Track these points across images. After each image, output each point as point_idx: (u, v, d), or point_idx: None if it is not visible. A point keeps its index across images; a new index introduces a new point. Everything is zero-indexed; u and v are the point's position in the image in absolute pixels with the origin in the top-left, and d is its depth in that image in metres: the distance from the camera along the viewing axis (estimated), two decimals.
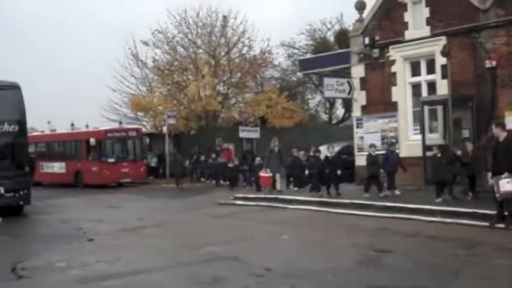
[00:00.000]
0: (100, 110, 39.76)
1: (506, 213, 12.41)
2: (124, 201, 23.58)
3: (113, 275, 9.60)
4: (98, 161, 30.93)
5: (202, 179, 30.40)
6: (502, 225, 12.29)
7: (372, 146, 18.64)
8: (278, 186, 21.17)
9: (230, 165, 26.45)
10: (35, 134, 34.30)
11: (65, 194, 27.59)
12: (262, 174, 21.16)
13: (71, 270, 10.19)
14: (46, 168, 33.60)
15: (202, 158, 30.28)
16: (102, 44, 64.10)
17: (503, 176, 12.16)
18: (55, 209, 21.24)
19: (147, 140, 36.97)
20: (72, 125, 36.26)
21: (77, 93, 56.62)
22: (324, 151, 20.15)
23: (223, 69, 36.50)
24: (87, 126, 35.14)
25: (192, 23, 36.49)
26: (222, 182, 27.67)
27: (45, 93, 54.61)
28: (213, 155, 29.27)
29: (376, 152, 18.49)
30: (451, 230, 12.55)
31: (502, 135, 12.67)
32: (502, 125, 13.05)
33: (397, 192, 17.59)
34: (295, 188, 21.28)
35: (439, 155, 16.26)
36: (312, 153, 20.14)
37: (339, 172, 18.66)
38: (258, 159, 23.10)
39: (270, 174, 20.90)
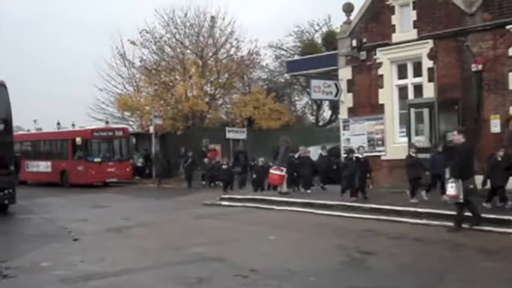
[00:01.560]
0: (86, 110, 39.62)
1: (455, 213, 12.65)
2: (110, 201, 23.47)
3: (97, 275, 9.56)
4: (84, 161, 30.78)
5: (204, 182, 28.15)
6: (481, 227, 12.45)
7: (412, 146, 17.01)
8: (285, 187, 20.08)
9: (224, 166, 25.17)
10: (20, 132, 34.09)
11: (51, 194, 27.40)
12: (274, 172, 19.68)
13: (56, 270, 10.13)
14: (31, 167, 33.42)
15: (206, 160, 28.44)
16: (89, 43, 63.85)
17: (450, 180, 12.45)
18: (40, 208, 21.10)
19: (134, 140, 36.85)
20: (58, 124, 36.20)
21: (63, 92, 56.39)
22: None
23: (210, 69, 36.44)
24: (73, 125, 35.09)
25: (180, 23, 36.44)
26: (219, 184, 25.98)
27: (31, 91, 54.36)
28: (217, 157, 27.96)
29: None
30: (436, 232, 12.61)
31: (460, 142, 12.82)
32: (463, 132, 13.04)
33: (445, 197, 14.38)
34: (309, 191, 19.83)
35: (499, 159, 14.43)
36: (346, 155, 18.47)
37: (368, 175, 17.80)
38: (261, 160, 22.21)
39: (284, 173, 19.65)
